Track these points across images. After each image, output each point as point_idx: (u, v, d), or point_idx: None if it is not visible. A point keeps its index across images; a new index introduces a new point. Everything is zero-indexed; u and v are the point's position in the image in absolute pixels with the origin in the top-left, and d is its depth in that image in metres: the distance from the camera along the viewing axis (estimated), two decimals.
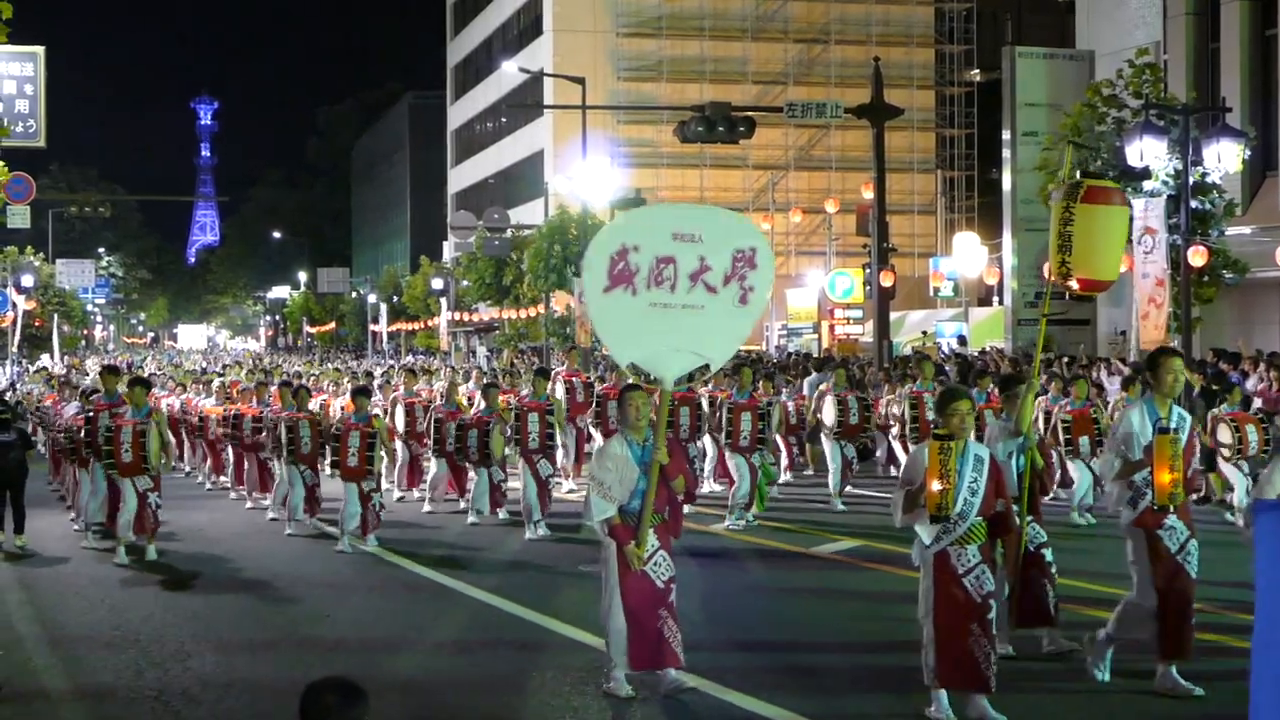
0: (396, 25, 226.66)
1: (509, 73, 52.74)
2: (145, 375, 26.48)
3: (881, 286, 28.53)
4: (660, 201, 48.30)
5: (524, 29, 61.15)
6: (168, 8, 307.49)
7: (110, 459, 13.49)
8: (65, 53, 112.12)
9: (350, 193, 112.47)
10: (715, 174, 53.41)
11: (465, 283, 55.70)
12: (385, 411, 17.74)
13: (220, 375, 27.06)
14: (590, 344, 35.61)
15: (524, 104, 58.20)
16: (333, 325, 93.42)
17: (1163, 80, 29.66)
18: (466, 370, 31.22)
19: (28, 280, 49.55)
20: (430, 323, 65.24)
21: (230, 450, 18.87)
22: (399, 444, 17.96)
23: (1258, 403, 17.50)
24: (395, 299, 71.90)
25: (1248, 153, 26.32)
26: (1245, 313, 30.24)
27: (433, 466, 17.29)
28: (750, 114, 28.83)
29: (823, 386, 18.10)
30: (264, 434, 16.82)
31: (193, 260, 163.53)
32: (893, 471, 19.37)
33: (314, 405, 17.39)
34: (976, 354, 30.35)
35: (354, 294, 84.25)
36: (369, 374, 34.21)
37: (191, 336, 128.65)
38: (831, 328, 39.92)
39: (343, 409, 17.58)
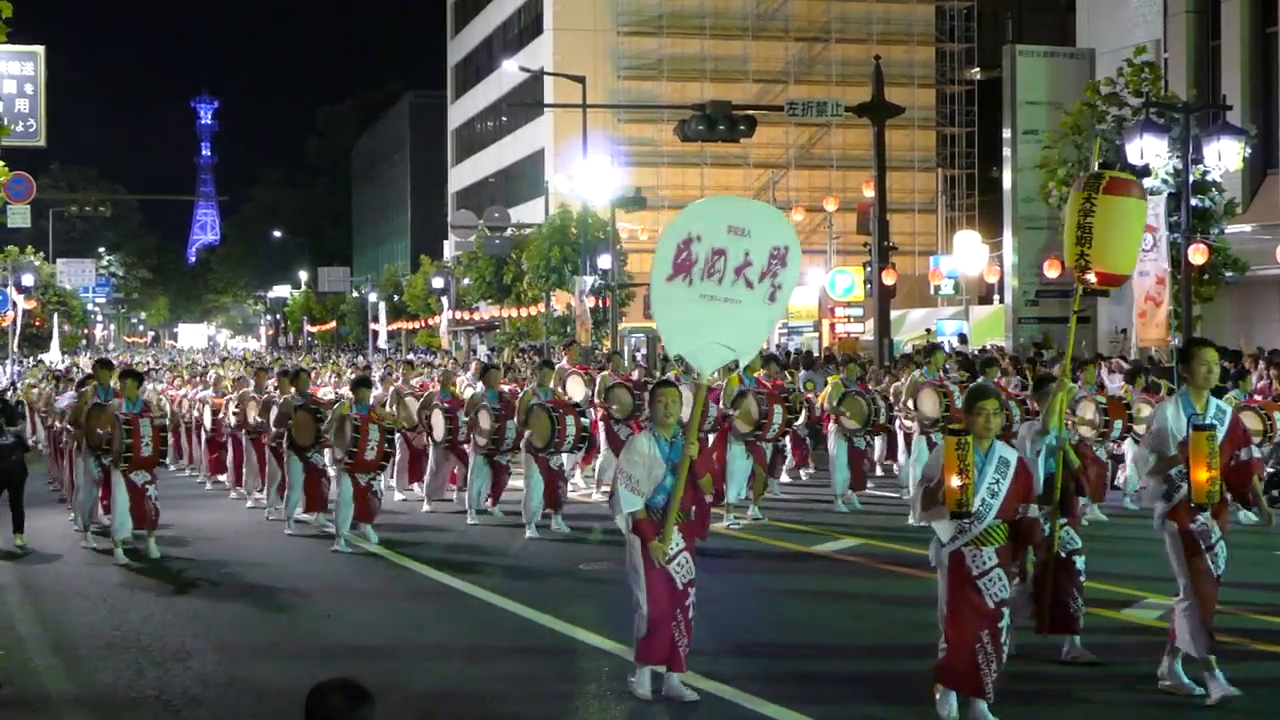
0: (396, 25, 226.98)
1: (509, 72, 52.72)
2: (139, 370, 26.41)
3: (882, 285, 28.51)
4: (660, 201, 48.46)
5: (524, 28, 61.14)
6: (168, 8, 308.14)
7: (129, 454, 13.30)
8: (65, 52, 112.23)
9: (350, 192, 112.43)
10: (716, 172, 53.40)
11: (466, 282, 55.69)
12: (385, 404, 17.74)
13: (217, 366, 26.98)
14: (589, 343, 35.64)
15: (524, 103, 58.20)
16: (333, 324, 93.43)
17: (1162, 79, 29.65)
18: (466, 363, 31.22)
19: (28, 280, 49.62)
20: (431, 321, 65.24)
21: (231, 446, 18.78)
22: (397, 439, 17.93)
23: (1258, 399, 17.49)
24: (396, 298, 71.90)
25: (1248, 151, 26.31)
26: (1246, 311, 30.22)
27: (432, 461, 17.26)
28: (751, 112, 28.83)
29: (917, 375, 16.89)
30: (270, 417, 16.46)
31: (193, 259, 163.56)
32: (894, 469, 19.36)
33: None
34: (976, 352, 30.35)
35: (355, 293, 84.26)
36: (368, 365, 34.30)
37: (192, 336, 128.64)
38: (832, 326, 39.92)
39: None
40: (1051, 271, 32.14)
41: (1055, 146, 30.09)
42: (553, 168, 52.98)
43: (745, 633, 9.84)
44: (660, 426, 8.12)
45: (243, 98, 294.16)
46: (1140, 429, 15.27)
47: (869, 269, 30.50)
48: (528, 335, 50.38)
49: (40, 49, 30.12)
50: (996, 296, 40.66)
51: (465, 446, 16.45)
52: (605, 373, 18.44)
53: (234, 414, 18.03)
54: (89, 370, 22.87)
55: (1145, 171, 25.82)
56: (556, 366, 17.63)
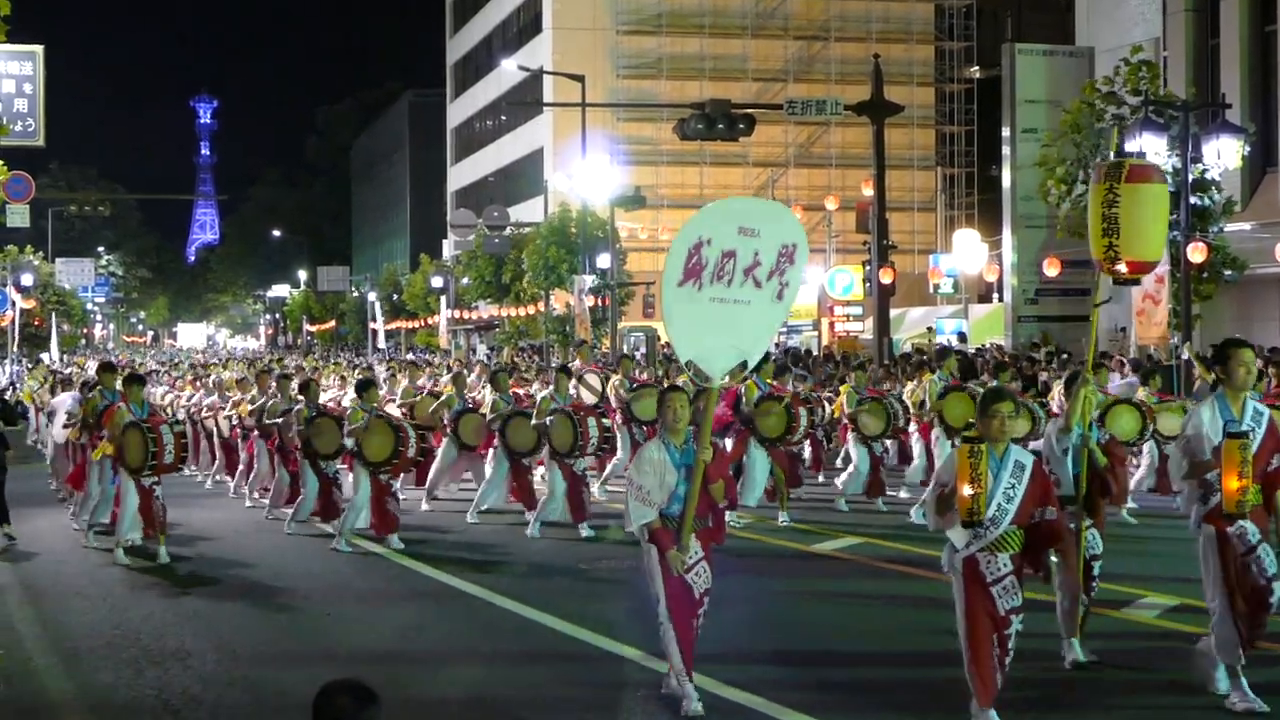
0: (396, 24, 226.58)
1: (509, 71, 52.73)
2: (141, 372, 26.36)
3: (881, 283, 28.51)
4: (659, 200, 48.48)
5: (523, 27, 61.14)
6: (168, 7, 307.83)
7: (154, 461, 13.15)
8: (65, 52, 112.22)
9: (350, 191, 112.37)
10: (715, 171, 53.42)
11: (465, 280, 55.70)
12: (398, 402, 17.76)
13: (218, 366, 26.93)
14: (590, 342, 35.62)
15: (524, 102, 58.21)
16: (333, 324, 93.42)
17: (1160, 77, 29.66)
18: (468, 364, 31.21)
19: (27, 279, 49.59)
20: (430, 320, 65.25)
21: (242, 448, 18.65)
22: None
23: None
24: (395, 297, 71.91)
25: (1247, 149, 26.34)
26: (1245, 309, 30.24)
27: (440, 460, 17.19)
28: (750, 111, 28.82)
29: (932, 380, 16.63)
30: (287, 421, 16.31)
31: (192, 259, 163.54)
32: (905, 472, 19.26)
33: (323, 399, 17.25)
34: (975, 350, 30.35)
35: (354, 292, 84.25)
36: (369, 367, 34.22)
37: (191, 335, 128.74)
38: (831, 325, 39.95)
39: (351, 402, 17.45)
40: (1051, 270, 32.16)
41: (1054, 145, 30.10)
42: (552, 167, 52.99)
43: (750, 635, 9.75)
44: (670, 432, 8.03)
45: (242, 97, 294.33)
46: (1165, 430, 15.33)
47: (868, 268, 30.49)
48: (527, 334, 50.39)
49: (39, 48, 30.10)
50: (996, 295, 40.70)
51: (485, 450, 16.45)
52: (617, 376, 18.41)
53: (249, 413, 17.88)
54: (92, 372, 22.84)
55: None
56: (573, 369, 17.63)
